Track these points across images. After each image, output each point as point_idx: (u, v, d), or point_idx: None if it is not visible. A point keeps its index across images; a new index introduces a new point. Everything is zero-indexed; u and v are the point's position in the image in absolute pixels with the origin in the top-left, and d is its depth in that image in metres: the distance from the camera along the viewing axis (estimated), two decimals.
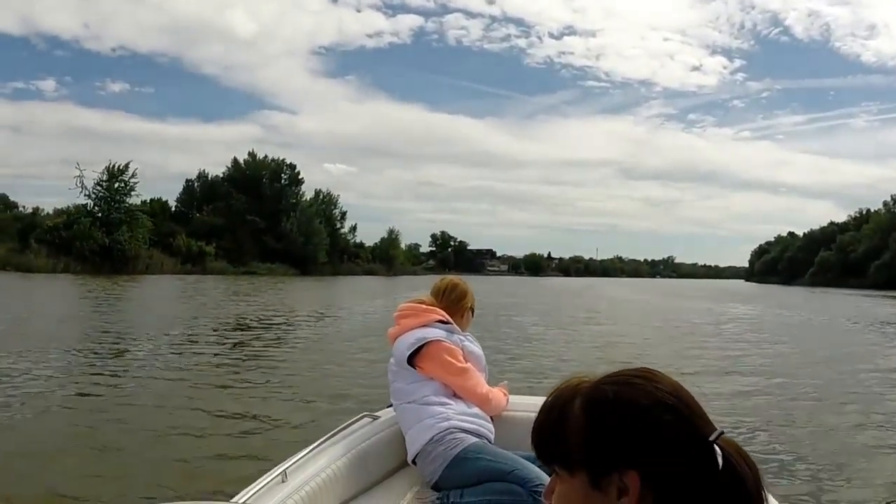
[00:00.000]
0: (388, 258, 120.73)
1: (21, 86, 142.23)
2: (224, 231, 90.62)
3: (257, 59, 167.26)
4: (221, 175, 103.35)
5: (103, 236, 70.68)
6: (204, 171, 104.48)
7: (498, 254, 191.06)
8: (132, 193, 77.39)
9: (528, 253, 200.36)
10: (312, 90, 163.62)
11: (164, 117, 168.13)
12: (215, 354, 17.24)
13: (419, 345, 4.20)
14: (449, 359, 4.20)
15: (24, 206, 79.62)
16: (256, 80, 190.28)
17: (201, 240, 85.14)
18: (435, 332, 4.26)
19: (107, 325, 22.85)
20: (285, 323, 26.92)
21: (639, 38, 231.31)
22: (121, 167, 76.14)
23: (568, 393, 1.43)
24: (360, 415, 4.33)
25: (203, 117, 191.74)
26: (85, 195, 74.91)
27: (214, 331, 22.69)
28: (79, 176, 74.51)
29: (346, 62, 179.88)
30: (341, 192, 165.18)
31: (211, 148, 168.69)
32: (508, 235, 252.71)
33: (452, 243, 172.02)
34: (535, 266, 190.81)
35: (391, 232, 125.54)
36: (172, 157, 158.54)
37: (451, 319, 4.43)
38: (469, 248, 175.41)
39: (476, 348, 4.49)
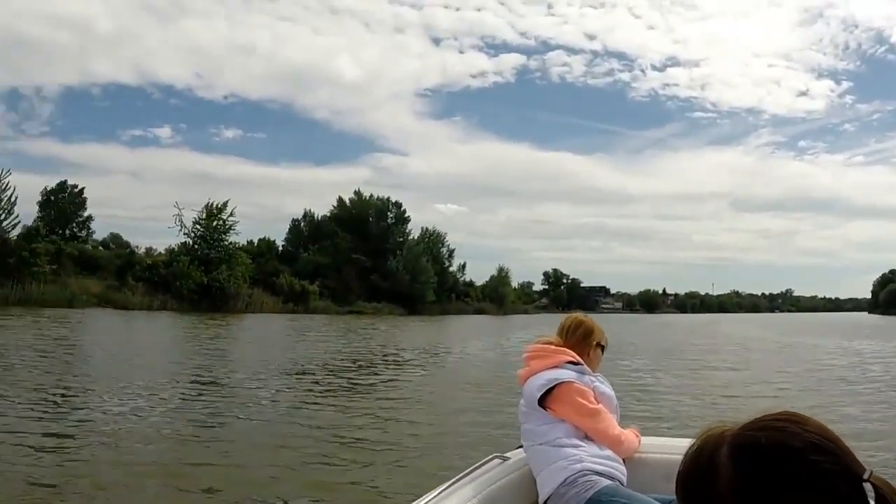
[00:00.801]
0: (498, 296, 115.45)
1: (139, 133, 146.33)
2: (329, 270, 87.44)
3: (365, 103, 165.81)
4: (328, 214, 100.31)
5: (201, 275, 68.78)
6: (310, 210, 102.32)
7: (612, 291, 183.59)
8: (231, 232, 75.81)
9: (642, 289, 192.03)
10: (420, 132, 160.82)
11: (277, 161, 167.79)
12: (325, 394, 17.01)
13: (550, 386, 4.09)
14: (580, 400, 4.09)
15: (136, 247, 79.38)
16: (365, 123, 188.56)
17: (305, 279, 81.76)
18: (566, 374, 4.15)
19: (206, 363, 23.07)
20: (398, 362, 26.32)
21: (743, 66, 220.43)
22: (219, 206, 74.75)
23: (713, 441, 1.39)
24: (490, 456, 4.15)
25: (315, 161, 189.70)
26: (184, 234, 73.96)
27: (320, 370, 22.13)
28: (177, 215, 73.79)
29: (451, 103, 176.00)
30: (453, 232, 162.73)
31: (324, 190, 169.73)
32: (622, 272, 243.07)
33: (565, 281, 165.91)
34: (649, 303, 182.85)
35: (501, 270, 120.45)
36: (287, 199, 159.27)
37: (581, 360, 4.30)
38: (582, 285, 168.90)
39: (607, 389, 4.35)
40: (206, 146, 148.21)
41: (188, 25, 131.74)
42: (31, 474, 9.13)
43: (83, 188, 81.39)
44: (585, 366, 4.27)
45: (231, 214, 74.84)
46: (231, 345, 33.03)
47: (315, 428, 12.47)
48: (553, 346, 4.30)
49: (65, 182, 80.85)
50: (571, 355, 4.24)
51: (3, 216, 60.63)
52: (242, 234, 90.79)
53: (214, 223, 73.54)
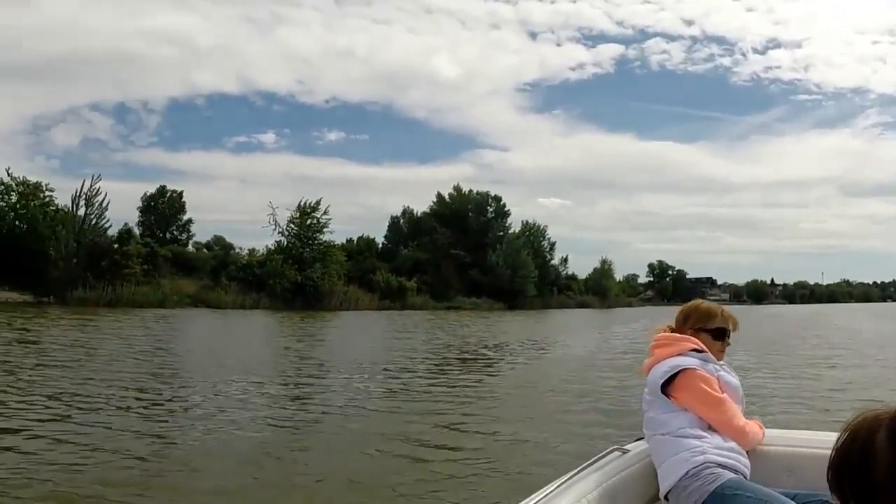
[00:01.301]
0: (601, 290, 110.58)
1: (244, 140, 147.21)
2: (428, 266, 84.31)
3: (465, 101, 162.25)
4: (427, 210, 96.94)
5: (295, 273, 66.38)
6: (409, 207, 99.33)
7: (718, 282, 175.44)
8: (325, 230, 72.77)
9: (749, 280, 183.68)
10: (521, 127, 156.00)
11: (380, 161, 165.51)
12: (413, 392, 16.37)
13: (673, 373, 3.91)
14: (704, 388, 3.87)
15: (239, 248, 77.90)
16: (466, 120, 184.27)
17: (404, 275, 78.89)
18: (688, 361, 3.96)
19: (301, 358, 23.17)
20: (502, 355, 25.97)
21: (846, 44, 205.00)
22: (312, 204, 72.03)
23: (868, 426, 1.35)
24: (610, 448, 4.03)
25: (418, 159, 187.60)
26: (278, 233, 71.63)
27: (408, 367, 21.52)
28: (271, 214, 71.38)
29: (551, 96, 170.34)
30: (557, 226, 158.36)
31: (427, 188, 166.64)
32: (728, 262, 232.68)
33: (670, 273, 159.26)
34: (757, 293, 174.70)
35: (604, 262, 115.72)
36: (390, 198, 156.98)
37: (705, 348, 4.07)
38: (688, 277, 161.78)
39: (732, 378, 4.11)
40: (310, 149, 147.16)
41: (286, 33, 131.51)
42: (125, 470, 9.09)
43: (182, 192, 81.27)
44: (710, 354, 4.04)
45: (325, 212, 72.10)
46: (317, 342, 31.45)
47: (408, 430, 11.86)
48: (677, 334, 4.14)
49: (164, 187, 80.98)
50: (696, 343, 4.04)
51: (95, 220, 58.90)
52: (348, 233, 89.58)
53: (308, 222, 70.98)
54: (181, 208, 79.78)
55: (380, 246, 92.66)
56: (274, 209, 71.37)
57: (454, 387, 17.54)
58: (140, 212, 77.85)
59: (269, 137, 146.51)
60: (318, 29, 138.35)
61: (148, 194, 79.14)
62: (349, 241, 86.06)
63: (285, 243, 70.68)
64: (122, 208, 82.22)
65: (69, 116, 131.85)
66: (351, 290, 71.52)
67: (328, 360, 22.63)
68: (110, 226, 60.25)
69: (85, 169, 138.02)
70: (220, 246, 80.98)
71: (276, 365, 21.08)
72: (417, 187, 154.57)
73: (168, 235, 77.14)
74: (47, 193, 57.67)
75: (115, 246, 57.78)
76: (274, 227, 71.14)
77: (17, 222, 55.83)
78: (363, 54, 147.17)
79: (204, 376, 17.63)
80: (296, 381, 17.91)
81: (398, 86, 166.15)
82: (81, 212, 58.02)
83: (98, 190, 59.27)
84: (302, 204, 71.78)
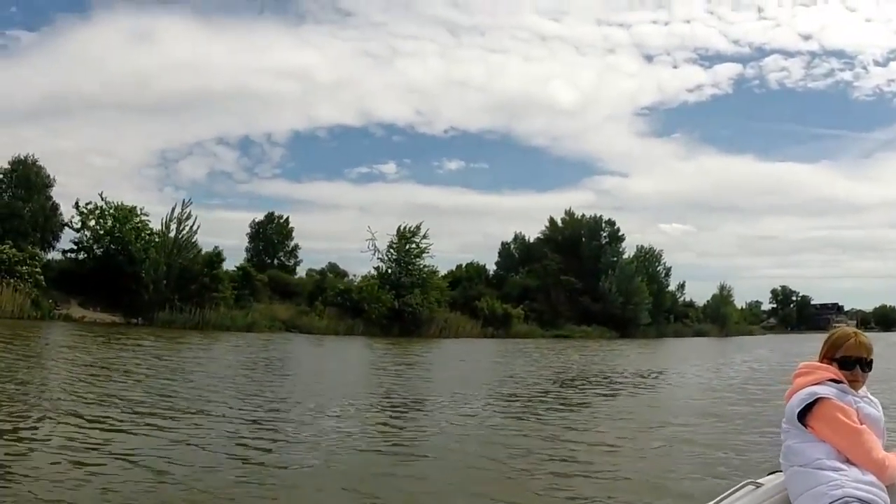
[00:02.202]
0: (719, 317, 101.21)
1: (365, 170, 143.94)
2: (537, 292, 77.64)
3: (582, 127, 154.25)
4: (540, 236, 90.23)
5: (392, 299, 61.17)
6: (520, 233, 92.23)
7: (845, 308, 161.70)
8: (424, 255, 67.07)
9: (877, 305, 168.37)
10: (640, 152, 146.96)
11: (500, 190, 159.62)
12: (539, 417, 16.24)
13: (809, 401, 3.72)
14: (841, 418, 3.65)
15: (354, 276, 72.70)
16: (584, 146, 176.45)
17: (512, 302, 72.55)
18: (824, 390, 3.74)
19: (395, 385, 22.41)
20: (622, 385, 25.03)
21: None
22: (412, 229, 66.53)
23: None
24: (743, 482, 3.88)
25: (537, 187, 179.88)
26: (378, 258, 66.58)
27: (528, 393, 20.85)
28: (370, 240, 66.26)
29: (670, 120, 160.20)
30: (681, 253, 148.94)
31: (547, 215, 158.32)
32: (855, 287, 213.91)
33: (794, 299, 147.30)
34: (886, 320, 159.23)
35: (722, 288, 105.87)
36: (511, 226, 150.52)
37: (843, 378, 3.84)
38: (812, 303, 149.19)
39: (873, 410, 3.84)
40: (430, 178, 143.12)
41: (403, 65, 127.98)
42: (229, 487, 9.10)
43: (287, 218, 78.23)
44: (847, 385, 3.81)
45: (424, 237, 66.75)
46: (389, 371, 28.99)
47: (519, 455, 11.50)
48: (818, 363, 3.91)
49: (272, 213, 78.35)
50: (834, 373, 3.82)
51: (185, 243, 55.24)
52: (467, 260, 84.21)
53: (407, 246, 65.81)
54: (288, 234, 76.79)
55: (491, 272, 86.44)
56: (373, 234, 66.67)
57: (549, 419, 16.61)
58: (248, 238, 75.74)
59: (389, 167, 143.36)
60: (434, 60, 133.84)
61: (256, 221, 76.91)
62: (458, 267, 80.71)
63: (384, 269, 65.98)
64: (243, 237, 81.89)
65: (195, 150, 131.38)
66: (452, 317, 65.85)
67: (409, 388, 22.12)
68: (200, 250, 56.79)
69: (211, 200, 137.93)
70: (334, 273, 77.00)
71: (353, 391, 20.74)
72: (538, 214, 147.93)
73: (276, 261, 74.01)
74: (142, 217, 54.83)
75: (206, 269, 54.15)
76: (373, 252, 66.52)
77: (111, 245, 52.95)
78: (480, 83, 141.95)
79: (281, 400, 17.58)
80: (380, 407, 17.62)
81: (516, 114, 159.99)
82: (172, 235, 54.66)
83: (188, 214, 55.92)
84: (401, 228, 66.86)
